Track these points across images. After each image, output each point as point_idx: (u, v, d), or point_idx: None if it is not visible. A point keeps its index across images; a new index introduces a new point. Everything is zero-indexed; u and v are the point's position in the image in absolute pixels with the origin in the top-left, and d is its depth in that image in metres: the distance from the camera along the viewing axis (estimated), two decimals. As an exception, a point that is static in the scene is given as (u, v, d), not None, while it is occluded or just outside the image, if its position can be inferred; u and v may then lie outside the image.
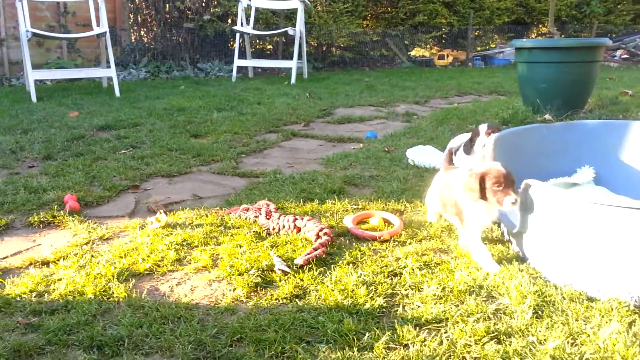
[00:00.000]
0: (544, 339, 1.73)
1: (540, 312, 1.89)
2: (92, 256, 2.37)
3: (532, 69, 5.25)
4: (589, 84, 5.26)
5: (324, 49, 12.67)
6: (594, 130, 3.21)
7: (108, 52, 7.54)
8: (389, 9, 13.52)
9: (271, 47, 12.59)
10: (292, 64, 9.28)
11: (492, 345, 1.70)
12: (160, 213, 2.74)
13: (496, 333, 1.76)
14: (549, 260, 2.16)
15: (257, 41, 12.30)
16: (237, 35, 9.74)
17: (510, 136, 3.02)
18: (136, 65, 10.62)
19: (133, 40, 11.49)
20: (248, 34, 9.81)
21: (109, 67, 7.57)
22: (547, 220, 2.12)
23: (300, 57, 9.50)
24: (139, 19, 11.62)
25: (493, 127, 3.14)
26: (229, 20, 11.45)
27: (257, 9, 10.12)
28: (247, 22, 9.88)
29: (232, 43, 11.43)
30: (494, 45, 15.47)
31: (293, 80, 9.02)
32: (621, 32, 16.56)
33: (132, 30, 11.60)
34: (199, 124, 5.37)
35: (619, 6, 16.48)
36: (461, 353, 1.67)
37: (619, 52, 15.29)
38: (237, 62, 9.63)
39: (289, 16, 11.35)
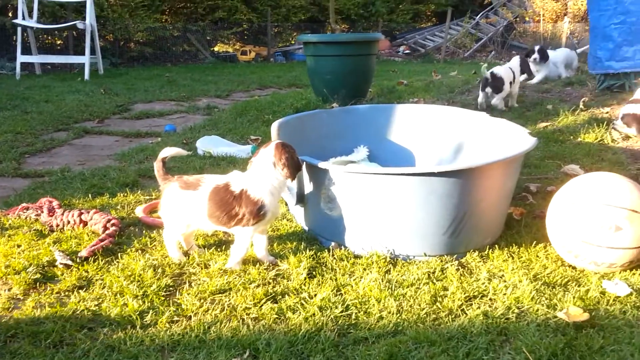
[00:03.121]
0: (315, 294, 1.95)
1: (314, 272, 2.12)
2: None
3: (318, 62, 5.66)
4: (368, 75, 5.83)
5: (121, 44, 12.13)
6: (366, 114, 3.59)
7: None
8: (188, 4, 13.39)
9: (62, 42, 11.70)
10: (85, 59, 8.73)
11: (269, 304, 1.88)
12: None
13: (273, 294, 1.95)
14: (323, 225, 2.42)
15: (46, 36, 11.33)
16: (19, 29, 8.86)
17: (294, 122, 3.24)
18: None
19: None
20: (32, 27, 9.00)
21: None
22: (318, 191, 2.36)
23: (93, 52, 8.99)
24: None
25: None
26: (10, 13, 10.37)
27: (40, 1, 9.32)
28: (30, 15, 9.06)
29: (15, 38, 10.38)
30: (293, 42, 16.19)
31: (87, 76, 8.51)
32: (404, 29, 18.48)
33: None
34: (-28, 125, 4.84)
35: (400, 6, 18.33)
36: (241, 315, 1.82)
37: (402, 48, 17.06)
38: (21, 59, 8.77)
39: (79, 9, 10.64)
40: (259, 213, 2.12)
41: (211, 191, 2.15)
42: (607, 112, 4.73)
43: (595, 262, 2.01)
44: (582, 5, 13.36)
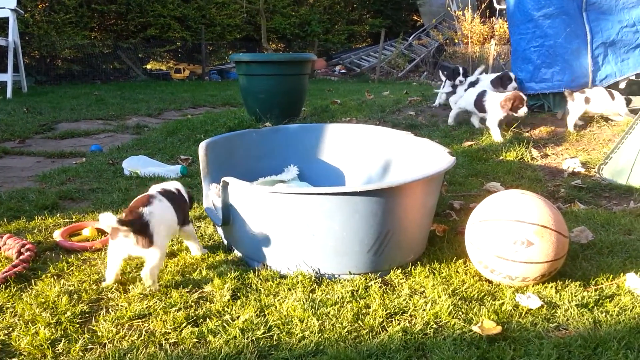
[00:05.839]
0: (238, 316, 1.93)
1: (238, 294, 2.10)
2: None
3: (251, 81, 5.66)
4: (301, 94, 5.88)
5: (48, 61, 11.70)
6: (296, 133, 3.61)
7: None
8: (118, 21, 13.10)
9: (-17, 58, 11.17)
10: (7, 77, 8.35)
11: (189, 328, 1.84)
12: None
13: (195, 318, 1.91)
14: (249, 246, 2.40)
15: (-35, 51, 10.78)
16: None
17: (222, 141, 3.22)
18: None
19: None
20: (-51, 43, 8.54)
21: None
22: (244, 212, 2.35)
23: (17, 69, 8.62)
24: None
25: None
26: None
27: (-41, 16, 8.89)
28: (-53, 30, 8.61)
29: None
30: (229, 60, 16.14)
31: (9, 94, 8.14)
32: (339, 49, 18.82)
33: None
34: None
35: (335, 26, 18.68)
36: (159, 341, 1.77)
37: (338, 67, 17.34)
38: (-63, 75, 8.32)
39: (2, 25, 10.22)
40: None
41: (173, 198, 2.33)
42: (527, 131, 4.97)
43: (509, 277, 2.09)
44: (507, 28, 14.04)
